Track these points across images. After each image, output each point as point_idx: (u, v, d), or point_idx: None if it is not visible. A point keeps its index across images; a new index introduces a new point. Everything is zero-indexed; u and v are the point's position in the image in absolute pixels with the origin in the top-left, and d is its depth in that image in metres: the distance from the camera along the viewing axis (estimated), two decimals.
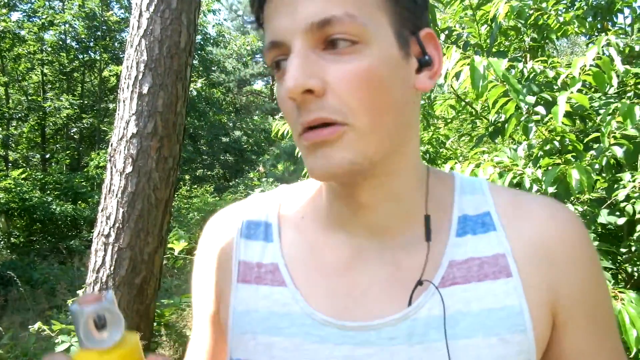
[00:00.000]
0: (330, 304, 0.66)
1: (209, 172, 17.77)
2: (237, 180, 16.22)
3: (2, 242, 10.42)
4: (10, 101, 13.12)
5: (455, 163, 2.20)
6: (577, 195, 1.93)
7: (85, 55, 13.68)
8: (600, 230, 2.16)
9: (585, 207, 2.08)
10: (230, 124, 18.32)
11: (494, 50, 2.66)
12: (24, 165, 13.72)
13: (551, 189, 1.88)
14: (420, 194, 0.69)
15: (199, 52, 14.25)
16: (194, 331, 0.84)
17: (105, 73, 13.91)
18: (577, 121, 2.17)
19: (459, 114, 3.25)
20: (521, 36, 2.69)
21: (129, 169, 3.46)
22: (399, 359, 0.62)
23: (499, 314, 0.63)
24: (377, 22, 0.59)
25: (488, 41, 2.66)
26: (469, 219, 0.69)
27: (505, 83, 1.97)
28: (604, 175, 2.04)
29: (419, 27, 0.64)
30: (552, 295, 0.65)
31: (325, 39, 0.57)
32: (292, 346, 0.65)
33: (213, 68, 16.43)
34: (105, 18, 13.09)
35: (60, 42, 13.31)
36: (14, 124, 13.38)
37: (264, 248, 0.73)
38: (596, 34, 2.52)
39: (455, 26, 2.81)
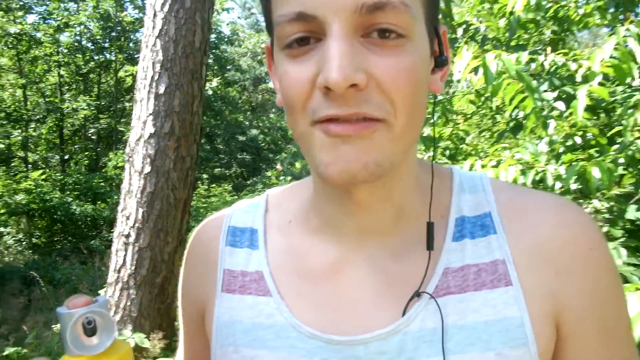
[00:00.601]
0: (317, 315, 0.63)
1: (226, 171, 17.85)
2: (255, 179, 16.27)
3: (24, 243, 10.59)
4: (29, 103, 13.30)
5: (476, 160, 2.17)
6: (603, 191, 1.90)
7: (100, 56, 13.79)
8: (628, 226, 2.11)
9: (612, 203, 2.04)
10: (247, 123, 18.37)
11: (512, 43, 2.62)
12: (44, 166, 13.90)
13: (574, 186, 1.85)
14: (417, 196, 0.65)
15: (214, 51, 14.29)
16: (179, 344, 0.81)
17: (121, 73, 14.01)
18: (602, 115, 2.13)
19: (479, 109, 3.21)
20: (541, 29, 2.64)
21: (147, 169, 3.49)
22: None
23: (497, 327, 0.58)
24: (419, 17, 0.55)
25: (507, 34, 2.62)
26: (467, 220, 0.64)
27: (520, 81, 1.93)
28: (630, 170, 1.99)
29: (438, 24, 0.61)
30: (557, 306, 0.60)
31: (370, 26, 0.51)
32: None
33: (228, 67, 16.47)
34: (120, 19, 13.17)
35: (76, 44, 13.43)
36: (33, 126, 13.56)
37: (248, 255, 0.70)
38: (618, 25, 2.47)
39: (472, 20, 2.77)
